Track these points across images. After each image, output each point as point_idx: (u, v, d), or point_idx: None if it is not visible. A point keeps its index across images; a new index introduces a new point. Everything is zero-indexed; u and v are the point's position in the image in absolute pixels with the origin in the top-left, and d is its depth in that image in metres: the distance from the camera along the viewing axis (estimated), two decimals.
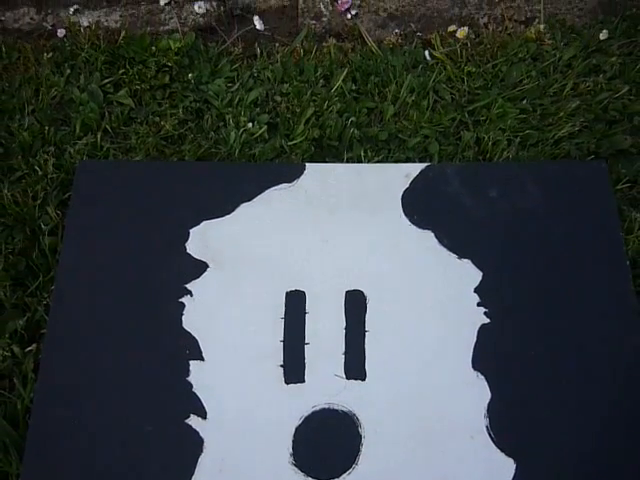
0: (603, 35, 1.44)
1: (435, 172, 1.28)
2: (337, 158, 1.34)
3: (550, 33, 1.48)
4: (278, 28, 1.64)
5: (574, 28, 1.52)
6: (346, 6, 1.51)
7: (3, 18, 1.67)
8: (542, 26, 1.48)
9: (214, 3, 1.66)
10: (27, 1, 1.71)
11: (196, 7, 1.49)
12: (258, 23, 1.50)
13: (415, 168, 1.29)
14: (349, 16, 1.53)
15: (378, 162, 1.32)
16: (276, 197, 1.26)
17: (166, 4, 1.54)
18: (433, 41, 1.51)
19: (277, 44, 1.51)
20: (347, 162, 1.33)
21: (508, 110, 1.35)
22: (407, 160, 1.34)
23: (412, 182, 1.27)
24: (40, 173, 1.32)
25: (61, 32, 1.46)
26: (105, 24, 1.64)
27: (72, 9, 1.56)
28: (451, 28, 1.53)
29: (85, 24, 1.51)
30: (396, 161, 1.34)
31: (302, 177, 1.28)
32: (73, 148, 1.35)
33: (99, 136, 1.37)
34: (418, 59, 1.46)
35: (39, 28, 1.65)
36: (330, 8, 1.64)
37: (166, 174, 1.28)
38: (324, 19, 1.63)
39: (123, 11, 1.66)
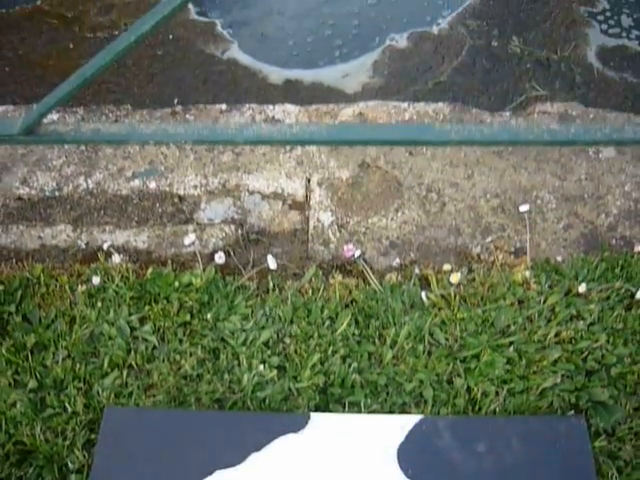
0: (582, 288, 1.58)
1: (428, 425, 1.40)
2: (339, 403, 1.46)
3: (536, 278, 1.63)
4: (289, 252, 1.80)
5: (557, 269, 1.67)
6: (350, 253, 1.67)
7: (42, 234, 1.85)
8: (528, 272, 1.63)
9: (232, 227, 1.83)
10: (65, 219, 1.89)
11: (217, 257, 1.65)
12: (271, 262, 1.66)
13: (410, 420, 1.41)
14: (354, 259, 1.69)
15: (377, 406, 1.45)
16: (283, 447, 1.38)
17: (191, 243, 1.71)
18: (430, 278, 1.66)
19: (288, 281, 1.67)
20: (349, 407, 1.45)
21: (496, 359, 1.48)
22: (403, 405, 1.46)
23: (407, 435, 1.39)
24: (70, 411, 1.46)
25: (96, 280, 1.62)
26: (134, 244, 1.81)
27: (106, 245, 1.73)
28: (446, 267, 1.68)
29: (117, 261, 1.67)
30: (393, 404, 1.46)
31: (307, 427, 1.40)
32: (101, 387, 1.48)
33: (125, 374, 1.51)
34: (415, 300, 1.60)
35: (74, 246, 1.82)
36: (337, 235, 1.80)
37: (183, 423, 1.40)
38: (332, 245, 1.79)
39: (150, 232, 1.83)
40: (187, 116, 2.03)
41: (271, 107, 2.04)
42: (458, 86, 3.37)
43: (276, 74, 3.42)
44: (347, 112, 2.01)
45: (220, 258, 1.62)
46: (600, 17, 3.58)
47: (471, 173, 1.90)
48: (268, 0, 3.68)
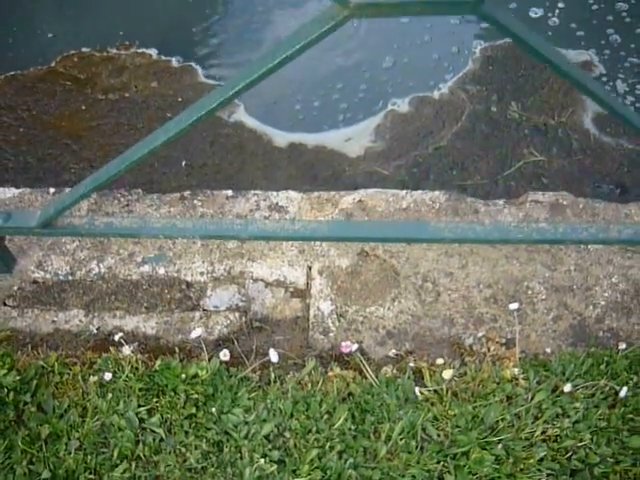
0: (568, 387, 1.68)
1: None
2: None
3: (524, 374, 1.73)
4: (290, 341, 1.90)
5: (545, 364, 1.77)
6: (348, 349, 1.77)
7: (56, 319, 1.96)
8: (516, 369, 1.73)
9: (236, 314, 1.94)
10: (77, 303, 2.00)
11: (221, 355, 1.76)
12: (273, 355, 1.76)
13: None
14: (351, 353, 1.80)
15: None
16: None
17: (197, 336, 1.81)
18: (424, 371, 1.76)
19: (289, 373, 1.77)
20: None
21: (485, 457, 1.58)
22: None
23: None
24: None
25: (108, 375, 1.73)
26: (143, 330, 1.92)
27: (117, 337, 1.84)
28: (439, 361, 1.78)
29: (127, 352, 1.78)
30: None
31: None
32: (110, 479, 1.58)
33: (133, 465, 1.61)
34: (409, 395, 1.70)
35: (86, 330, 1.93)
36: (337, 324, 1.91)
37: None
38: (331, 335, 1.89)
39: (159, 318, 1.94)
40: (195, 202, 2.15)
41: (275, 194, 2.16)
42: (458, 151, 3.49)
43: (281, 137, 3.55)
44: (347, 200, 2.12)
45: (225, 355, 1.72)
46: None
47: (465, 263, 2.00)
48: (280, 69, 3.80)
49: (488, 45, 3.82)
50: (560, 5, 4.15)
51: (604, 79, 3.71)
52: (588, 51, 3.81)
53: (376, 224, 1.91)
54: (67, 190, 2.24)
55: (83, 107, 3.71)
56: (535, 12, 4.08)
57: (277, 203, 2.13)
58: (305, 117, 3.63)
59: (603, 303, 1.93)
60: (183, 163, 3.50)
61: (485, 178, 3.40)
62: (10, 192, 2.23)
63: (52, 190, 2.23)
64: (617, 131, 3.51)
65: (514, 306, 1.84)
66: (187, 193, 2.20)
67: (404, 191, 2.16)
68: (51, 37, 4.05)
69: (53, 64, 3.92)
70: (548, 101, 3.63)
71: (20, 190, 2.24)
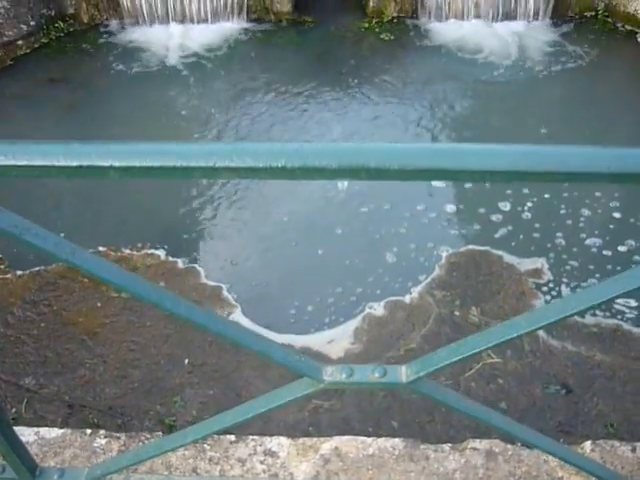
0: None
1: None
2: None
3: None
4: None
5: None
6: None
7: None
8: None
9: None
10: None
11: None
12: None
13: None
14: None
15: None
16: None
17: None
18: None
19: None
20: None
21: None
22: None
23: None
24: None
25: None
26: None
27: None
28: None
29: None
30: None
31: None
32: None
33: None
34: None
35: None
36: None
37: None
38: None
39: None
40: (205, 445, 2.84)
41: (269, 439, 2.85)
42: (425, 353, 4.22)
43: (273, 338, 4.28)
44: (326, 446, 2.82)
45: None
46: (545, 288, 4.50)
47: None
48: (274, 271, 4.60)
49: (452, 252, 4.63)
50: (528, 204, 4.98)
51: (551, 285, 4.50)
52: (540, 258, 4.62)
53: None
54: (101, 434, 2.93)
55: (98, 304, 4.45)
56: (505, 206, 4.92)
57: (270, 448, 2.83)
58: (297, 320, 4.35)
59: None
60: (186, 361, 4.20)
61: (449, 379, 4.12)
62: (54, 432, 2.91)
63: (88, 431, 2.92)
64: (562, 335, 4.27)
65: None
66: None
67: (370, 439, 2.86)
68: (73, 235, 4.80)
69: None
70: (503, 306, 4.40)
71: (62, 430, 2.92)
